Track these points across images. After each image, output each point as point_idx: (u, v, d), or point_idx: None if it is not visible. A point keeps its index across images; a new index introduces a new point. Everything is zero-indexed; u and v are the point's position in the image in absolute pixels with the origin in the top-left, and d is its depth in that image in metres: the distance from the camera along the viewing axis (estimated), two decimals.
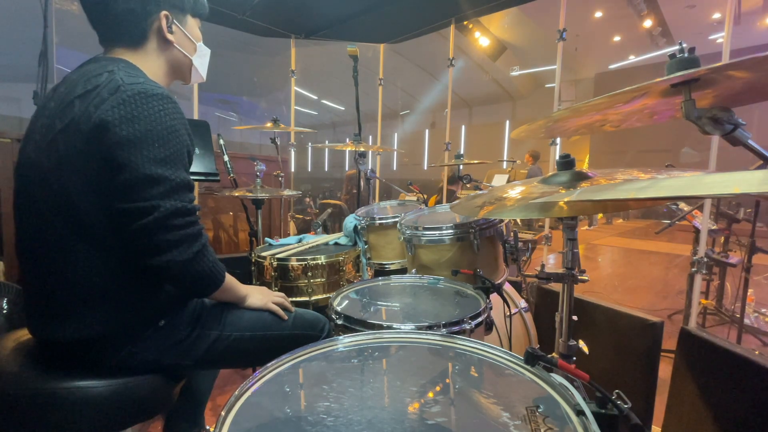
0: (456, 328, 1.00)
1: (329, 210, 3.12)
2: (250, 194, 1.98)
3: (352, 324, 1.05)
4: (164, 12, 0.96)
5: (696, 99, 0.69)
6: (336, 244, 2.00)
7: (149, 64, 0.98)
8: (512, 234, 1.55)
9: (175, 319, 0.95)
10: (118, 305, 0.87)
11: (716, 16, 7.09)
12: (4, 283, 1.58)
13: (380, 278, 1.44)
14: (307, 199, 6.55)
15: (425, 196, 2.28)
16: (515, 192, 0.98)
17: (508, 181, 5.76)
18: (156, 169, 0.81)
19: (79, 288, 0.84)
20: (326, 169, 15.28)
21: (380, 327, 1.00)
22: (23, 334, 0.98)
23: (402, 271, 1.83)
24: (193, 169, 0.94)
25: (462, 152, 2.45)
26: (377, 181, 3.17)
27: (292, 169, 3.85)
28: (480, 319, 1.06)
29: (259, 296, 1.08)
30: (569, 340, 1.04)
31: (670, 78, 0.65)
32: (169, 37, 0.99)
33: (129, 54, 0.96)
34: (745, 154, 0.70)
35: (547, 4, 2.89)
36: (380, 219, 1.88)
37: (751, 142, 0.67)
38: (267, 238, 2.07)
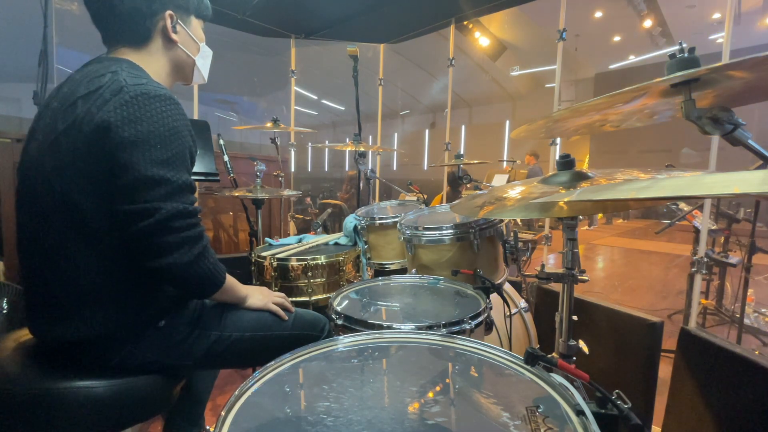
0: (456, 328, 1.00)
1: (329, 210, 3.12)
2: (250, 194, 1.98)
3: (352, 324, 1.05)
4: (169, 12, 0.96)
5: (696, 99, 0.69)
6: (336, 244, 2.00)
7: (153, 64, 0.98)
8: (512, 234, 1.55)
9: (175, 319, 0.95)
10: (119, 305, 0.87)
11: (716, 16, 7.08)
12: (4, 283, 1.59)
13: (380, 278, 1.44)
14: (307, 199, 6.55)
15: (425, 196, 2.28)
16: (515, 192, 0.98)
17: (508, 181, 5.75)
18: (158, 170, 0.81)
19: (80, 288, 0.84)
20: (326, 169, 15.26)
21: (380, 327, 1.00)
22: (23, 334, 0.98)
23: (402, 271, 1.83)
24: (193, 169, 0.94)
25: (462, 152, 2.45)
26: (377, 181, 3.17)
27: (292, 169, 3.85)
28: (480, 319, 1.06)
29: (259, 296, 1.08)
30: (569, 340, 1.04)
31: (670, 78, 0.65)
32: (174, 37, 0.99)
33: (133, 54, 0.96)
34: (745, 154, 0.70)
35: (547, 4, 2.90)
36: (380, 219, 1.88)
37: (751, 142, 0.67)
38: (267, 238, 2.07)
